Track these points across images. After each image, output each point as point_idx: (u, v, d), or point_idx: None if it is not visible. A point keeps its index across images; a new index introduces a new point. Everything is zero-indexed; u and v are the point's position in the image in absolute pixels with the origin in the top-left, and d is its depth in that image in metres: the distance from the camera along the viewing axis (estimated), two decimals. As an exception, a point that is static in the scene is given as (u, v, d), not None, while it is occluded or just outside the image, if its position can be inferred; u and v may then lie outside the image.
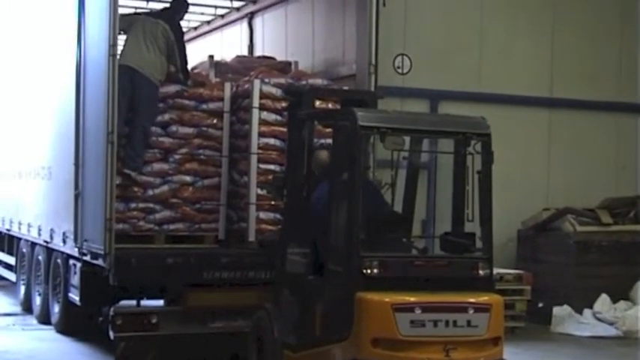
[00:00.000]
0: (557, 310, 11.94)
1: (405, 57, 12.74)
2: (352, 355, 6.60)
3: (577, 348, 10.90)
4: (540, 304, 12.04)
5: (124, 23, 9.26)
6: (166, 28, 9.53)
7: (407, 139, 7.38)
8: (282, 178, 8.30)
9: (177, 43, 9.53)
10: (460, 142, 7.15)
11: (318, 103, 8.75)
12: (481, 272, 6.98)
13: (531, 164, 13.56)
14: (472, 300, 6.77)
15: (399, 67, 12.70)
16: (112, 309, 8.62)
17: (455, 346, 6.58)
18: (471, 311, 6.69)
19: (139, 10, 11.26)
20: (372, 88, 9.38)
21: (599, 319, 11.92)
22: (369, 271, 6.64)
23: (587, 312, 11.99)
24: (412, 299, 6.61)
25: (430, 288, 6.76)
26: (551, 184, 13.62)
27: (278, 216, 8.99)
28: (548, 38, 13.74)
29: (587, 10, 14.01)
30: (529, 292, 11.79)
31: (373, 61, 9.45)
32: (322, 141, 8.53)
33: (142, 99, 9.23)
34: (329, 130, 8.03)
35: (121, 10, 8.88)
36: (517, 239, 13.11)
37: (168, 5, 10.14)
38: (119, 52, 8.91)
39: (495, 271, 11.69)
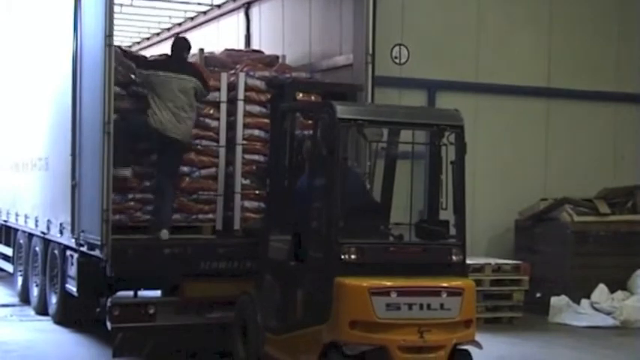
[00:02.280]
0: (554, 301, 11.95)
1: (402, 47, 12.72)
2: (331, 337, 6.94)
3: (574, 338, 10.90)
4: (538, 295, 12.05)
5: (141, 77, 9.04)
6: (197, 82, 9.12)
7: (385, 130, 7.84)
8: (265, 168, 8.72)
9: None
10: (434, 134, 7.50)
11: (301, 95, 9.22)
12: (454, 258, 7.34)
13: (529, 154, 13.55)
14: (445, 284, 7.10)
15: (396, 58, 12.67)
16: (109, 300, 8.62)
17: (429, 328, 6.91)
18: (444, 295, 7.02)
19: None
20: (370, 79, 9.43)
21: (596, 309, 11.93)
22: (347, 257, 6.99)
23: (584, 302, 12.00)
24: (388, 284, 6.94)
25: (405, 273, 7.10)
26: (548, 174, 13.62)
27: (262, 205, 9.14)
28: (546, 28, 13.72)
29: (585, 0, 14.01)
30: (527, 283, 11.81)
31: (370, 51, 9.46)
32: (306, 132, 8.72)
33: (177, 162, 9.15)
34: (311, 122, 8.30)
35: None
36: (514, 229, 13.11)
37: (171, 49, 9.57)
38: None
39: (493, 261, 11.87)
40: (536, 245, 12.65)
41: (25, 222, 11.28)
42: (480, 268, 11.59)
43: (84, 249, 8.96)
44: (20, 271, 12.23)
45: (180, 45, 9.41)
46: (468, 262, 7.80)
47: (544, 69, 13.71)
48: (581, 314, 11.81)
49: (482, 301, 11.39)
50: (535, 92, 13.60)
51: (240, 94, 9.51)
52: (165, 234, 8.83)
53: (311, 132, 8.08)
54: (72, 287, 9.53)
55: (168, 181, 9.01)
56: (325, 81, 10.03)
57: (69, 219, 9.26)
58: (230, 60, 10.37)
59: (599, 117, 14.02)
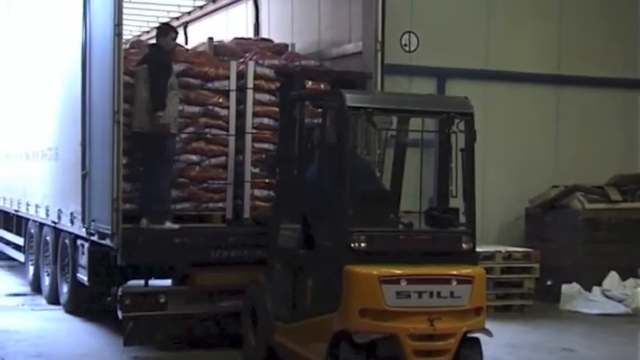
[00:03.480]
0: (565, 288, 11.93)
1: (412, 35, 12.67)
2: (341, 326, 6.93)
3: (586, 325, 10.88)
4: (549, 282, 12.03)
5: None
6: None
7: (394, 118, 7.84)
8: (274, 156, 8.72)
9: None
10: (444, 122, 7.49)
11: (310, 83, 9.26)
12: (464, 246, 7.32)
13: (539, 142, 13.50)
14: (455, 272, 7.08)
15: (405, 45, 12.63)
16: (120, 289, 8.65)
17: (439, 316, 6.90)
18: (454, 283, 7.02)
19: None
20: (379, 66, 9.42)
21: (607, 297, 11.90)
22: (356, 245, 6.96)
23: (595, 289, 11.97)
24: (398, 272, 6.92)
25: (415, 261, 7.08)
26: (559, 161, 13.58)
27: (272, 193, 9.16)
28: (556, 15, 13.65)
29: (595, -14, 13.95)
30: (537, 270, 11.78)
31: (380, 39, 9.44)
32: (315, 121, 8.72)
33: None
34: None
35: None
36: (525, 217, 13.08)
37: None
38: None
39: (503, 249, 11.85)
40: (547, 233, 12.62)
41: (36, 212, 11.30)
42: (490, 256, 11.57)
43: (94, 238, 8.98)
44: (31, 260, 12.26)
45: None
46: (479, 249, 7.82)
47: (554, 56, 13.65)
48: (592, 302, 11.79)
49: (493, 289, 11.37)
50: (545, 79, 13.55)
51: (250, 83, 9.54)
52: (172, 225, 8.88)
53: (320, 120, 8.06)
54: (83, 276, 9.55)
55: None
56: (335, 69, 10.01)
57: (79, 208, 9.28)
58: (239, 48, 10.36)
59: (609, 104, 13.95)
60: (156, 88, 8.87)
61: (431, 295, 6.92)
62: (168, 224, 8.90)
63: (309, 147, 8.22)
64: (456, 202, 7.52)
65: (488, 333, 7.18)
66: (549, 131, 13.62)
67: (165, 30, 9.52)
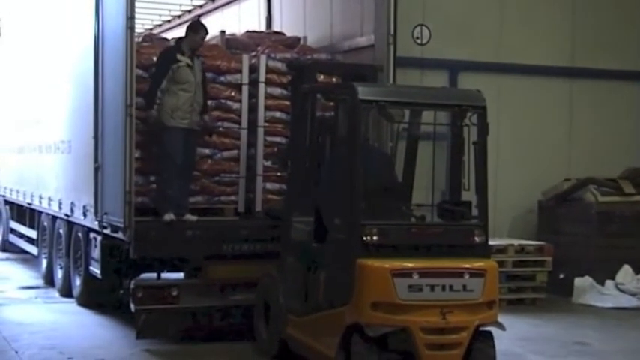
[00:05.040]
0: (578, 281, 11.89)
1: (424, 27, 12.63)
2: (353, 319, 6.94)
3: (599, 319, 10.86)
4: (561, 275, 12.00)
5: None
6: None
7: (406, 111, 7.83)
8: (285, 150, 8.73)
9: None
10: (456, 115, 7.47)
11: (322, 77, 9.27)
12: (477, 239, 7.29)
13: (552, 134, 13.45)
14: (467, 265, 7.08)
15: (417, 38, 12.59)
16: (132, 282, 8.67)
17: (451, 309, 6.89)
18: (467, 276, 7.01)
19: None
20: (391, 59, 9.39)
21: (621, 290, 11.86)
22: (369, 238, 6.93)
23: (608, 283, 11.94)
24: (410, 265, 6.91)
25: (428, 254, 7.09)
26: (572, 154, 13.52)
27: (284, 187, 9.16)
28: (569, 6, 13.58)
29: (609, -23, 13.87)
30: (550, 264, 11.75)
31: (392, 32, 9.41)
32: (326, 114, 8.72)
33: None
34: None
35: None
36: (538, 210, 13.04)
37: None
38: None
39: (516, 242, 11.82)
40: (560, 226, 12.58)
41: (49, 205, 11.34)
42: (502, 249, 11.54)
43: (107, 231, 9.01)
44: (45, 253, 12.31)
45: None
46: (491, 243, 7.80)
47: (567, 48, 13.59)
48: (605, 295, 11.75)
49: (505, 282, 11.35)
50: (558, 71, 13.49)
51: (262, 77, 9.55)
52: (191, 217, 8.89)
53: (332, 113, 8.06)
54: (95, 269, 9.58)
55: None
56: (347, 62, 9.99)
57: (92, 201, 9.30)
58: (251, 42, 10.35)
59: (623, 96, 13.88)
60: (151, 85, 8.93)
61: (443, 288, 6.91)
62: (188, 216, 8.91)
63: (321, 140, 8.22)
64: (469, 195, 7.51)
65: (501, 326, 7.17)
66: (562, 123, 13.56)
67: (197, 27, 9.28)
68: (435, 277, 6.92)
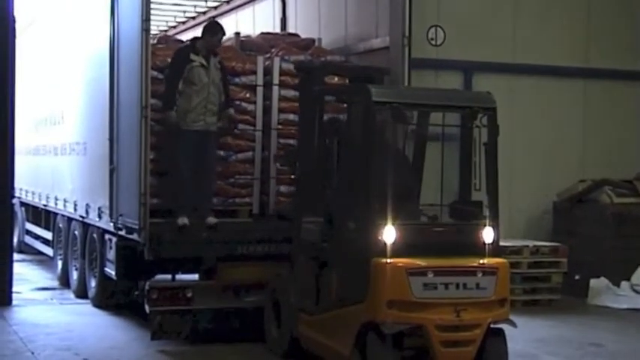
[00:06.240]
0: (593, 283, 11.86)
1: (438, 28, 12.61)
2: (369, 317, 7.00)
3: (614, 320, 10.82)
4: (577, 277, 11.96)
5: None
6: None
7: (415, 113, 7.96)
8: (294, 151, 8.75)
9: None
10: (467, 116, 7.53)
11: (336, 79, 9.31)
12: (488, 238, 7.35)
13: (567, 135, 13.41)
14: (480, 264, 7.17)
15: (432, 39, 12.58)
16: (147, 283, 8.69)
17: (465, 307, 6.99)
18: (480, 274, 7.12)
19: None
20: (406, 61, 9.39)
21: (636, 291, 11.82)
22: (384, 237, 7.00)
23: (624, 284, 11.89)
24: (425, 264, 6.99)
25: (440, 253, 7.15)
26: (587, 155, 13.47)
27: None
28: (584, 7, 13.53)
29: (624, -23, 13.81)
30: (565, 265, 11.72)
31: (406, 33, 9.41)
32: (336, 115, 8.75)
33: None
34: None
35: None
36: (553, 211, 13.00)
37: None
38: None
39: (531, 243, 11.79)
40: (575, 227, 12.54)
41: (65, 206, 11.38)
42: (518, 251, 11.52)
43: (122, 233, 9.03)
44: (60, 254, 12.35)
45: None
46: (506, 244, 7.88)
47: (582, 49, 13.54)
48: (620, 296, 11.71)
49: (521, 284, 11.34)
50: (573, 72, 13.44)
51: (275, 79, 9.59)
52: (212, 219, 8.92)
53: (345, 115, 8.05)
54: (111, 271, 9.61)
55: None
56: (354, 65, 9.97)
57: (107, 203, 9.33)
58: (266, 44, 10.37)
59: (638, 96, 13.81)
60: (166, 87, 8.95)
61: (457, 286, 7.01)
62: (210, 219, 8.93)
63: (330, 141, 8.21)
64: (480, 195, 7.53)
65: (513, 324, 7.24)
66: (577, 124, 13.51)
67: (214, 29, 9.22)
68: (450, 275, 7.01)
